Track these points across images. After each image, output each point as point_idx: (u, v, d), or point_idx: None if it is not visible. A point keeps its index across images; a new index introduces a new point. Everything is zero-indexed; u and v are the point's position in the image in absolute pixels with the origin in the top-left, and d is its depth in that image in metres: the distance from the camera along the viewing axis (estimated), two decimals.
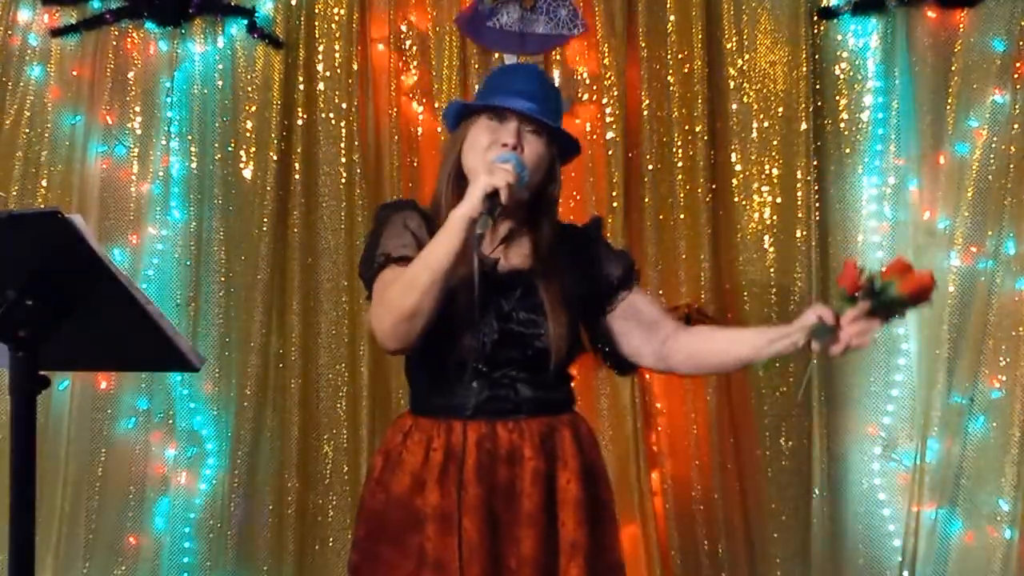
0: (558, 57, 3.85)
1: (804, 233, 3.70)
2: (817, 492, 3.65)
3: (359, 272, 2.41)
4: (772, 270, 3.74)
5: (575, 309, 2.36)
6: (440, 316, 2.22)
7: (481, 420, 2.29)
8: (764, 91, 3.77)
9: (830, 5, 3.74)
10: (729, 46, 3.78)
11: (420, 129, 3.87)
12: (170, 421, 3.85)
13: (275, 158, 3.85)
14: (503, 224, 2.37)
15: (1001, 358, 3.58)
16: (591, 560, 2.26)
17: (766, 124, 3.76)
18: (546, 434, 2.31)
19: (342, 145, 3.85)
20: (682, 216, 3.77)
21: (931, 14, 3.68)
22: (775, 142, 3.75)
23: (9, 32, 3.97)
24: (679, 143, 3.77)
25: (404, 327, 2.21)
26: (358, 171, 3.82)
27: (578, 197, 3.86)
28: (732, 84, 3.78)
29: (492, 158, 2.27)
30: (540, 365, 2.31)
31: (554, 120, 2.37)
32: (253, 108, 3.90)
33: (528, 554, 2.23)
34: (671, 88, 3.78)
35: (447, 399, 2.32)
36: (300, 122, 3.88)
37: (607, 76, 3.80)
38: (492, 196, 2.18)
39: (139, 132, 3.93)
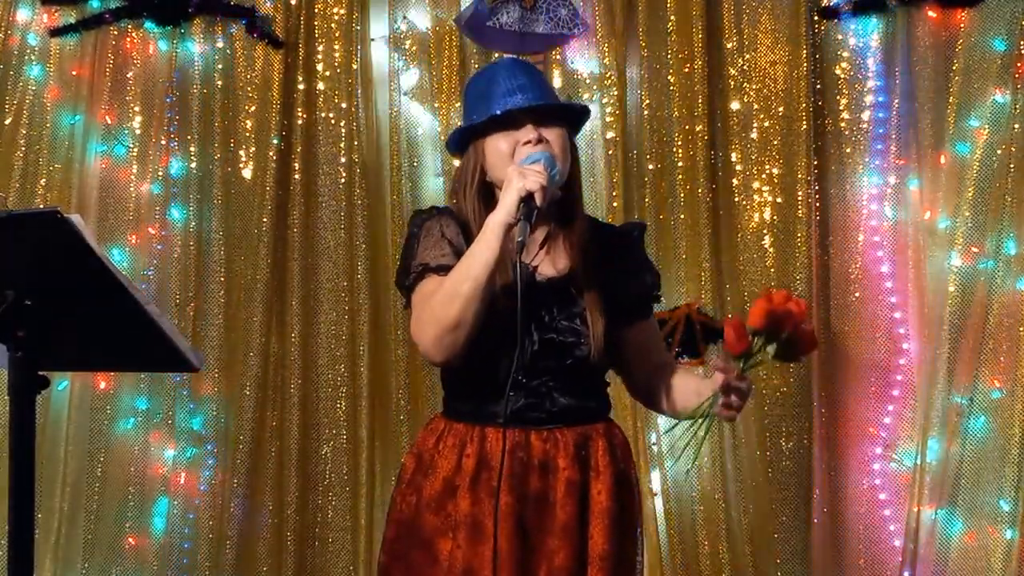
0: (558, 57, 3.85)
1: (804, 233, 3.70)
2: (817, 492, 3.65)
3: (396, 281, 2.34)
4: (772, 270, 3.74)
5: (608, 315, 2.29)
6: (482, 325, 2.18)
7: (515, 428, 2.24)
8: (764, 91, 3.77)
9: (831, 5, 3.74)
10: (729, 46, 3.78)
11: (420, 129, 3.86)
12: (170, 421, 3.85)
13: (275, 158, 3.85)
14: (539, 229, 2.29)
15: (1002, 358, 3.58)
16: (617, 573, 2.23)
17: (766, 124, 3.76)
18: (580, 443, 2.26)
19: (342, 145, 3.85)
20: (682, 216, 3.77)
21: (932, 14, 3.68)
22: (775, 142, 3.75)
23: (8, 32, 3.96)
24: (679, 143, 3.77)
25: (449, 338, 2.17)
26: (358, 171, 3.82)
27: None
28: (732, 84, 3.78)
29: (521, 160, 2.21)
30: (578, 373, 2.26)
31: (557, 99, 2.34)
32: (253, 108, 3.90)
33: (561, 565, 2.20)
34: (671, 88, 3.78)
35: (482, 406, 2.27)
36: (300, 122, 3.87)
37: (607, 76, 3.79)
38: (527, 200, 2.12)
39: (139, 132, 3.93)
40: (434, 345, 2.19)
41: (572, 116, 2.36)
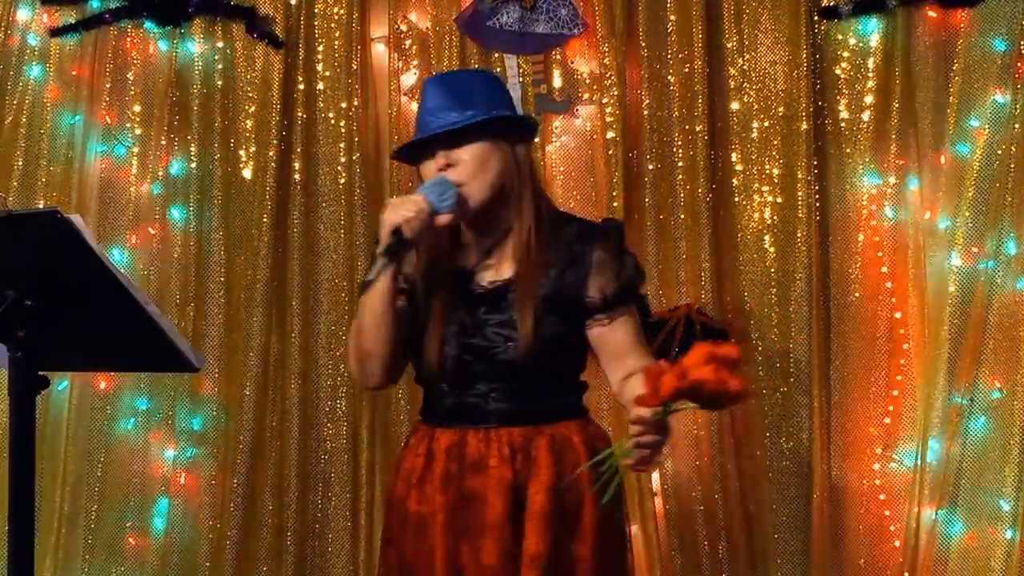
0: (558, 57, 3.85)
1: (804, 233, 3.69)
2: (817, 492, 3.65)
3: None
4: (772, 270, 3.73)
5: (561, 315, 2.29)
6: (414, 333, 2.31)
7: (454, 428, 2.32)
8: (764, 91, 3.76)
9: (831, 5, 3.73)
10: (729, 46, 3.78)
11: None
12: (170, 421, 3.85)
13: (275, 158, 3.85)
14: (486, 237, 2.34)
15: (1001, 358, 3.58)
16: (555, 574, 2.22)
17: (766, 124, 3.76)
18: (521, 444, 2.28)
19: (342, 145, 3.85)
20: (682, 216, 3.76)
21: (932, 14, 3.67)
22: (775, 142, 3.75)
23: (8, 32, 3.96)
24: (679, 143, 3.77)
25: (361, 368, 2.33)
26: (358, 171, 3.82)
27: (578, 197, 3.86)
28: (732, 84, 3.78)
29: (418, 188, 2.27)
30: (514, 375, 2.27)
31: (472, 114, 2.27)
32: (253, 108, 3.90)
33: (488, 563, 2.23)
34: (671, 88, 3.78)
35: (431, 407, 2.39)
36: (300, 122, 3.87)
37: (607, 76, 3.79)
38: (396, 232, 2.18)
39: (138, 132, 3.93)
40: (356, 373, 2.36)
41: (509, 124, 2.33)
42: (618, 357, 2.31)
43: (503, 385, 2.29)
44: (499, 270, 2.33)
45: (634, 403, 1.96)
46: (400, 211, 2.19)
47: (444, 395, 2.35)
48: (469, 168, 2.27)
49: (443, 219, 2.24)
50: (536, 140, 3.75)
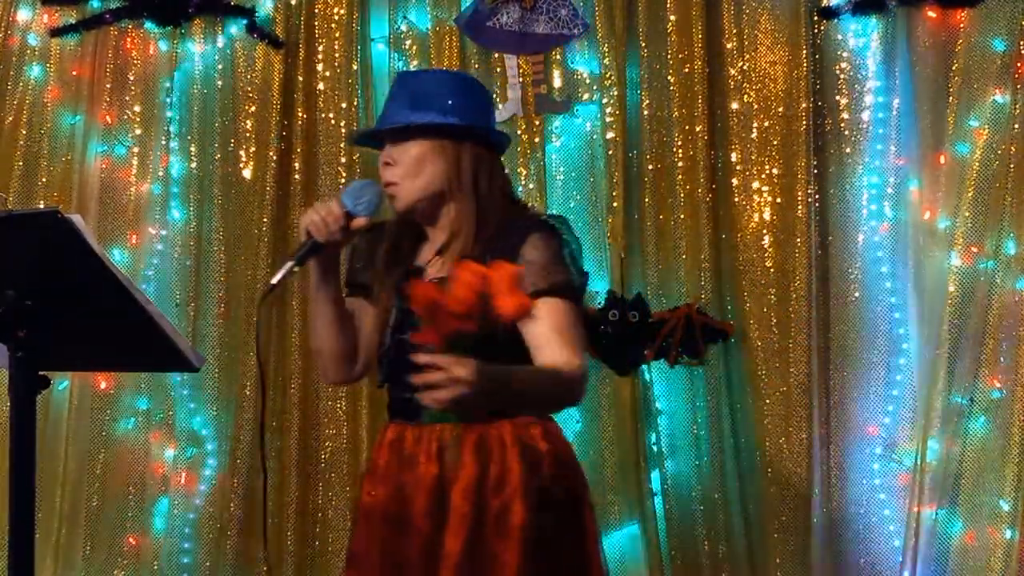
0: (558, 57, 3.85)
1: (804, 233, 3.69)
2: (817, 492, 3.65)
3: None
4: (772, 270, 3.73)
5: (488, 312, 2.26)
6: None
7: (397, 423, 2.36)
8: (764, 91, 3.76)
9: (830, 5, 3.73)
10: (729, 46, 3.78)
11: None
12: (170, 421, 3.85)
13: (275, 158, 3.85)
14: (437, 235, 2.36)
15: (1001, 358, 3.58)
16: (472, 574, 2.21)
17: (766, 124, 3.76)
18: (450, 442, 2.27)
19: (342, 145, 3.85)
20: (682, 216, 3.76)
21: (931, 14, 3.67)
22: (775, 142, 3.75)
23: (9, 32, 3.97)
24: (679, 143, 3.77)
25: (320, 363, 2.46)
26: (358, 171, 3.82)
27: (578, 197, 3.86)
28: (732, 84, 3.78)
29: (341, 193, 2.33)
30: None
31: (416, 117, 2.30)
32: (253, 108, 3.90)
33: (410, 557, 2.25)
34: (671, 88, 3.78)
35: (388, 402, 2.44)
36: (300, 122, 3.88)
37: (607, 76, 3.79)
38: (307, 235, 2.26)
39: (139, 132, 3.93)
40: (319, 369, 2.48)
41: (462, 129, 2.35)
42: (535, 349, 2.24)
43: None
44: (443, 267, 2.34)
45: (415, 339, 2.01)
46: (312, 215, 2.26)
47: (390, 390, 2.40)
48: (404, 168, 2.32)
49: (359, 222, 2.29)
50: (537, 140, 3.80)
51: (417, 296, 1.94)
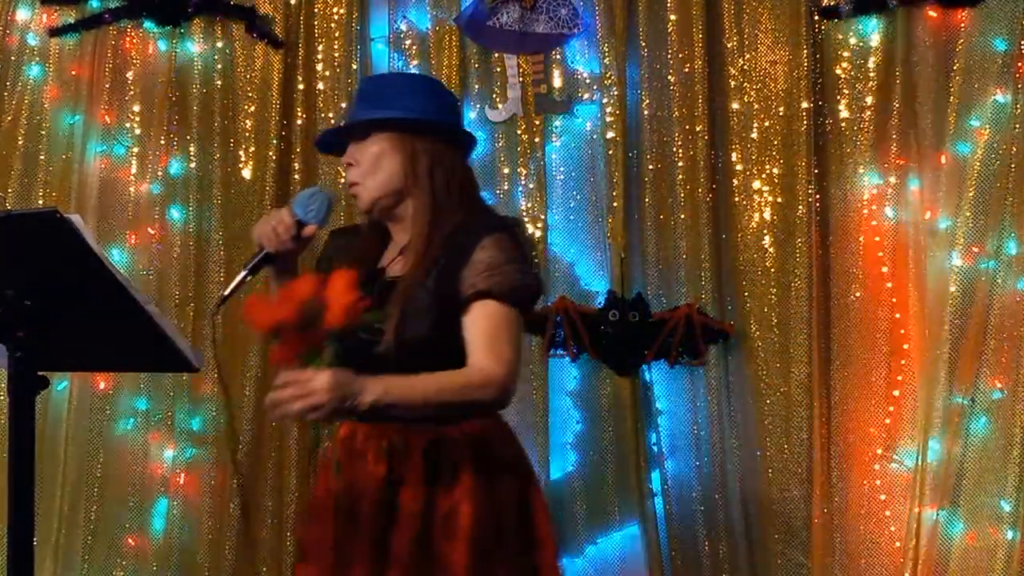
0: (558, 57, 3.85)
1: (804, 233, 3.69)
2: (817, 492, 3.64)
3: None
4: (772, 270, 3.73)
5: (441, 313, 2.24)
6: None
7: (352, 420, 2.34)
8: (764, 91, 3.76)
9: (831, 5, 3.73)
10: (729, 46, 3.78)
11: None
12: (170, 421, 3.85)
13: (275, 158, 3.85)
14: (402, 233, 2.37)
15: (1002, 358, 3.57)
16: (420, 573, 2.22)
17: (766, 124, 3.76)
18: (399, 442, 2.27)
19: None
20: (682, 216, 3.76)
21: (932, 13, 3.67)
22: (775, 142, 3.75)
23: (8, 31, 3.97)
24: (679, 143, 3.77)
25: None
26: None
27: (578, 197, 3.86)
28: (732, 84, 3.78)
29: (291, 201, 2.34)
30: (388, 372, 2.19)
31: (377, 112, 2.31)
32: (253, 108, 3.90)
33: (359, 554, 2.25)
34: (671, 88, 3.78)
35: None
36: (300, 122, 3.87)
37: (607, 76, 3.79)
38: (259, 245, 2.29)
39: (138, 132, 3.93)
40: None
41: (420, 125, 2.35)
42: (469, 351, 2.22)
43: None
44: (399, 268, 2.34)
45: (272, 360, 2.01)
46: (264, 226, 2.29)
47: None
48: (364, 167, 2.33)
49: (309, 230, 2.32)
50: (537, 140, 3.80)
51: (250, 317, 1.96)
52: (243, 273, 2.27)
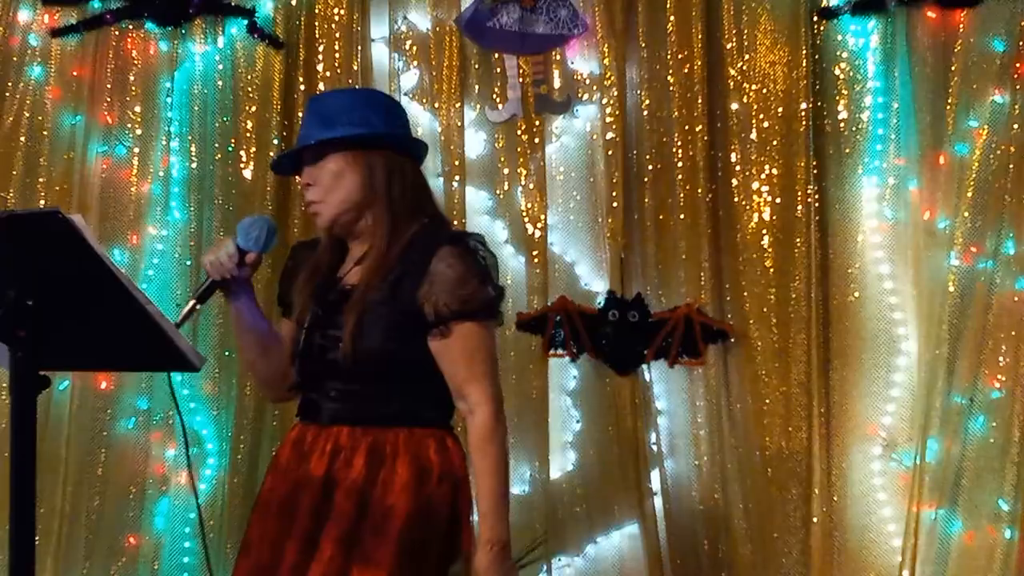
0: (558, 57, 3.85)
1: (804, 233, 3.69)
2: (817, 492, 3.65)
3: None
4: (772, 270, 3.73)
5: (394, 323, 2.30)
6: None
7: (303, 423, 2.42)
8: (764, 91, 3.76)
9: (830, 5, 3.74)
10: (729, 46, 3.78)
11: (420, 129, 3.86)
12: (170, 421, 3.85)
13: (275, 158, 3.85)
14: (359, 244, 2.41)
15: (1001, 358, 3.57)
16: (350, 548, 2.25)
17: (766, 124, 3.76)
18: (346, 444, 2.33)
19: None
20: (682, 216, 3.77)
21: (931, 14, 3.67)
22: (775, 142, 3.75)
23: (9, 32, 3.97)
24: (679, 143, 3.77)
25: (256, 382, 2.60)
26: None
27: (578, 197, 3.87)
28: (732, 84, 3.78)
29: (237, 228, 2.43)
30: (346, 377, 2.33)
31: (329, 131, 2.35)
32: (253, 108, 3.90)
33: (289, 550, 2.29)
34: (671, 88, 3.78)
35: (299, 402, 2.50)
36: (300, 122, 3.86)
37: (607, 76, 3.80)
38: (206, 274, 2.40)
39: (139, 132, 3.94)
40: (258, 388, 2.56)
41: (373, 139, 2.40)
42: (448, 373, 2.31)
43: (338, 385, 2.36)
44: (356, 276, 2.41)
45: None
46: (210, 256, 2.40)
47: (300, 391, 2.46)
48: (323, 186, 2.37)
49: (250, 257, 2.40)
50: (537, 140, 3.80)
51: None
52: (192, 302, 2.40)
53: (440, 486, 2.32)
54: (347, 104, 2.43)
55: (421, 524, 2.29)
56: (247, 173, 3.90)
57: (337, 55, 3.88)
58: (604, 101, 3.81)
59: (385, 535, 2.25)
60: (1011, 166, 3.58)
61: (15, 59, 3.97)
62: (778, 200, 3.74)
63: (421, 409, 2.35)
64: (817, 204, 3.72)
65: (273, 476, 2.42)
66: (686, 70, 3.77)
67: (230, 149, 3.91)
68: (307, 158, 2.40)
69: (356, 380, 2.33)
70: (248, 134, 3.91)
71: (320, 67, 3.90)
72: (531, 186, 3.80)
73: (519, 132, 3.83)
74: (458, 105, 3.84)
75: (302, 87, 3.89)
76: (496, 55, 3.87)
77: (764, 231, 3.74)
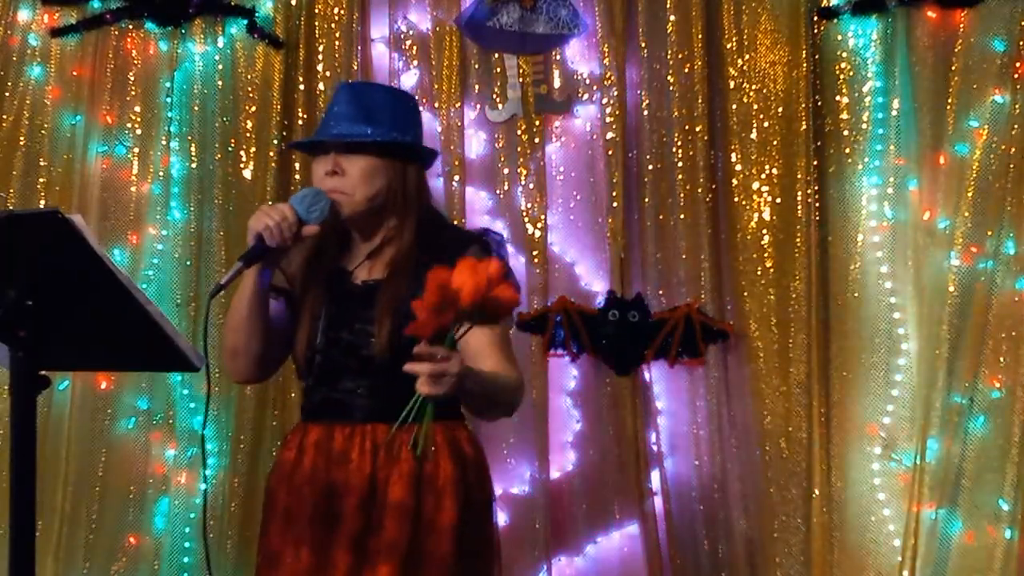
0: (558, 57, 3.85)
1: (803, 233, 3.70)
2: (817, 492, 3.65)
3: None
4: (772, 270, 3.74)
5: None
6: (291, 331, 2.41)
7: (323, 423, 2.37)
8: (764, 91, 3.77)
9: (830, 5, 3.74)
10: (729, 46, 3.78)
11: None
12: (170, 421, 3.86)
13: (275, 158, 3.86)
14: (370, 240, 2.41)
15: (1001, 358, 3.58)
16: (410, 564, 2.25)
17: (766, 124, 3.76)
18: (386, 440, 2.30)
19: None
20: (682, 216, 3.77)
21: (931, 14, 3.68)
22: (775, 142, 3.75)
23: (9, 32, 3.97)
24: (679, 143, 3.77)
25: (231, 364, 2.43)
26: None
27: (578, 197, 3.87)
28: (732, 84, 3.78)
29: (291, 199, 2.35)
30: (379, 373, 2.31)
31: (371, 132, 2.36)
32: (253, 108, 3.90)
33: (340, 555, 2.27)
34: (671, 88, 3.78)
35: (305, 402, 2.45)
36: (300, 122, 3.88)
37: (607, 76, 3.80)
38: (258, 239, 2.27)
39: (139, 132, 3.94)
40: (227, 369, 2.46)
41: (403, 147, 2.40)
42: (475, 356, 2.26)
43: (368, 382, 2.34)
44: (372, 272, 2.40)
45: (409, 331, 1.95)
46: (264, 219, 2.27)
47: (313, 390, 2.41)
48: (353, 180, 2.35)
49: (309, 230, 2.32)
50: (537, 140, 3.80)
51: (437, 282, 1.90)
52: (239, 264, 2.27)
53: (476, 476, 2.37)
54: (389, 103, 2.43)
55: (469, 514, 2.31)
56: (247, 173, 3.90)
57: (337, 55, 3.88)
58: (604, 101, 3.81)
59: (439, 531, 2.27)
60: (1011, 166, 3.58)
61: (15, 59, 3.97)
62: (778, 200, 3.75)
63: (451, 403, 2.34)
64: (817, 204, 3.72)
65: (293, 483, 2.36)
66: (686, 70, 3.78)
67: (230, 149, 3.91)
68: (338, 144, 2.37)
69: (388, 375, 2.26)
70: (248, 134, 3.91)
71: (320, 67, 3.90)
72: (531, 186, 3.81)
73: (519, 132, 3.83)
74: (458, 105, 3.84)
75: (302, 87, 3.89)
76: (496, 55, 3.87)
77: (764, 231, 3.75)
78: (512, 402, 2.34)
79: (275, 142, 3.86)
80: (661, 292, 3.79)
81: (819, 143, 3.74)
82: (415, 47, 3.91)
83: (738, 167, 3.78)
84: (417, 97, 3.86)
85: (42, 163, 3.93)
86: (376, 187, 2.36)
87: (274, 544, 2.36)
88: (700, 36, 3.75)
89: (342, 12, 3.88)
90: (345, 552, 2.26)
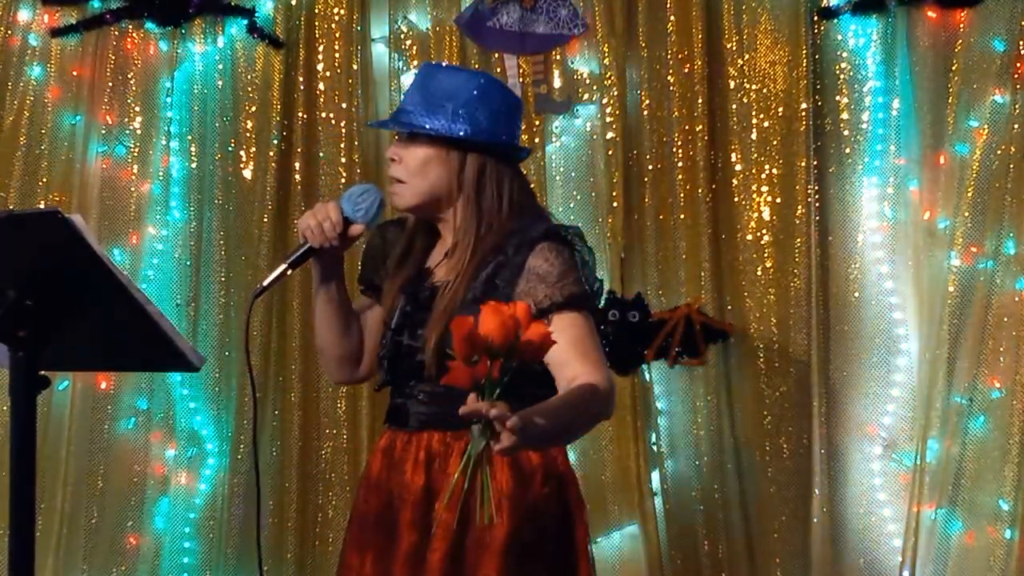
0: (558, 57, 3.85)
1: (804, 233, 3.70)
2: (817, 492, 3.65)
3: None
4: (772, 270, 3.74)
5: None
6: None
7: (392, 429, 2.34)
8: (764, 91, 3.76)
9: (830, 5, 3.74)
10: (729, 46, 3.78)
11: None
12: (170, 421, 3.86)
13: (275, 158, 3.85)
14: (448, 234, 2.32)
15: (1001, 358, 3.58)
16: None
17: (766, 124, 3.76)
18: (439, 450, 2.24)
19: (342, 145, 3.85)
20: (682, 216, 3.77)
21: (931, 14, 3.67)
22: (775, 142, 3.75)
23: (9, 32, 3.97)
24: (679, 143, 3.77)
25: (322, 362, 2.48)
26: (358, 171, 3.83)
27: (578, 197, 3.87)
28: (732, 84, 3.78)
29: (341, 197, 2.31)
30: (431, 378, 2.20)
31: (427, 124, 2.26)
32: (253, 108, 3.90)
33: (397, 567, 2.22)
34: (671, 88, 3.78)
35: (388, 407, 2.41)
36: (300, 122, 3.88)
37: (607, 76, 3.80)
38: (303, 239, 2.25)
39: (139, 132, 3.93)
40: (324, 369, 2.51)
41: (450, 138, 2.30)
42: (557, 366, 2.15)
43: (427, 387, 2.26)
44: (448, 272, 2.30)
45: (445, 382, 1.88)
46: (308, 218, 2.24)
47: (390, 394, 2.37)
48: (408, 170, 2.28)
49: (356, 229, 2.27)
50: (537, 140, 3.80)
51: (461, 334, 1.81)
52: (283, 266, 2.23)
53: (545, 487, 2.23)
54: (458, 89, 2.28)
55: (527, 532, 2.19)
56: (247, 173, 3.90)
57: (337, 55, 3.88)
58: (604, 101, 3.81)
59: (489, 548, 2.17)
60: (1011, 166, 3.58)
61: (15, 59, 3.96)
62: (778, 200, 3.74)
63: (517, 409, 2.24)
64: (817, 204, 3.72)
65: (366, 488, 2.33)
66: (686, 70, 3.77)
67: (230, 149, 3.91)
68: (399, 131, 2.32)
69: (443, 385, 2.12)
70: (248, 134, 3.91)
71: (320, 67, 3.89)
72: (531, 186, 3.80)
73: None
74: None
75: (302, 87, 3.89)
76: (496, 55, 3.87)
77: (764, 231, 3.74)
78: (598, 413, 2.18)
79: (275, 142, 3.86)
80: (661, 292, 3.79)
81: (819, 143, 3.74)
82: (415, 47, 3.91)
83: (738, 167, 3.77)
84: None
85: (42, 163, 3.93)
86: (430, 179, 2.27)
87: (348, 547, 2.33)
88: (700, 36, 3.75)
89: (342, 12, 3.88)
90: (402, 567, 2.21)
